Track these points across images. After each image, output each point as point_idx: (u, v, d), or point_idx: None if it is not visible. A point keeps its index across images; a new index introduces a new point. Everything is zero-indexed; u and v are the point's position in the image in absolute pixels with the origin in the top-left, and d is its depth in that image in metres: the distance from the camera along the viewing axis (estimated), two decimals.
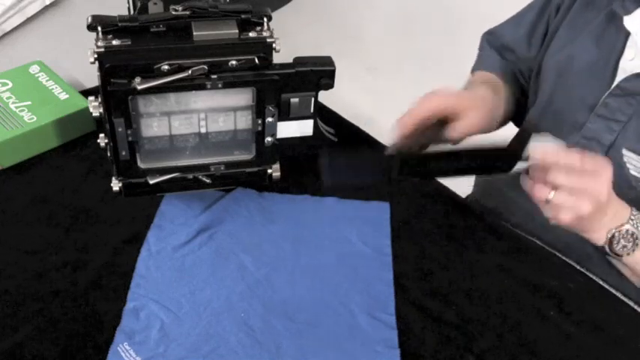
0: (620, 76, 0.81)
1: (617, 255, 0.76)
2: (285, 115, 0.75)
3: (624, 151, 0.81)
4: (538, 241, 0.86)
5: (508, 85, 0.97)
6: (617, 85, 0.80)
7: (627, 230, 0.74)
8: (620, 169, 0.81)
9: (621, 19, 0.79)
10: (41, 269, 0.76)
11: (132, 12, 0.81)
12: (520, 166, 0.72)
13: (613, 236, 0.74)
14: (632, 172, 0.80)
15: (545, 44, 0.94)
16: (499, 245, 0.85)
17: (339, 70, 0.74)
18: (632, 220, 0.74)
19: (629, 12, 0.79)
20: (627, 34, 0.80)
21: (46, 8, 1.18)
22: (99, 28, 0.66)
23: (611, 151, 0.82)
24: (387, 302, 0.76)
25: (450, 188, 0.92)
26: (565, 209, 0.70)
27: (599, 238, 0.75)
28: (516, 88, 1.00)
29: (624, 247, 0.75)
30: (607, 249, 0.75)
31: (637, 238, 0.74)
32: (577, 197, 0.69)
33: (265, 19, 0.69)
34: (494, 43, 1.02)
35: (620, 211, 0.75)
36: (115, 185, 0.75)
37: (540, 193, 0.70)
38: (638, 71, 0.78)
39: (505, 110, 0.93)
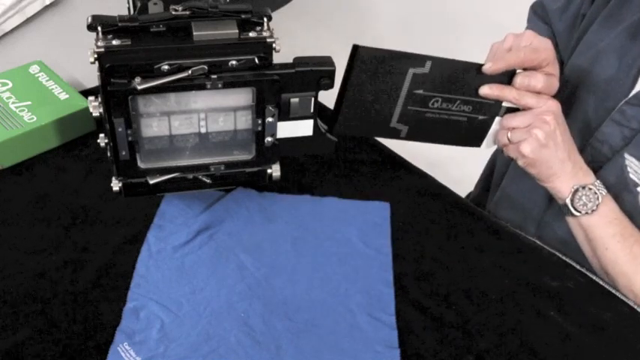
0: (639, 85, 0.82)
1: (577, 211, 0.81)
2: (285, 115, 0.75)
3: (626, 155, 0.82)
4: (538, 241, 0.87)
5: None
6: (635, 95, 0.81)
7: (591, 189, 0.81)
8: (621, 173, 0.82)
9: None
10: (41, 269, 0.76)
11: (132, 12, 0.81)
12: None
13: (577, 190, 0.81)
14: (632, 177, 0.81)
15: (574, 41, 0.93)
16: (499, 245, 0.85)
17: (339, 70, 0.74)
18: (596, 185, 0.81)
19: None
20: None
21: (46, 8, 1.18)
22: (99, 28, 0.66)
23: (616, 155, 0.83)
24: (387, 302, 0.76)
25: (450, 188, 0.92)
26: (523, 143, 0.79)
27: (564, 188, 0.81)
28: None
29: (585, 205, 0.81)
30: (569, 203, 0.81)
31: (598, 199, 0.80)
32: (530, 128, 0.79)
33: (265, 19, 0.69)
34: (539, 12, 1.02)
35: (586, 171, 0.82)
36: (115, 185, 0.75)
37: (501, 137, 0.81)
38: None
39: None
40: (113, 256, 0.78)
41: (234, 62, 0.68)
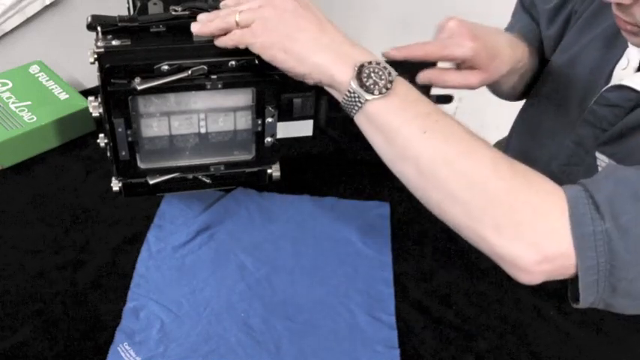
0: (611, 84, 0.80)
1: (370, 92, 0.61)
2: (286, 115, 0.75)
3: (597, 154, 0.80)
4: None
5: (533, 49, 0.94)
6: (601, 94, 0.79)
7: (379, 64, 0.62)
8: (591, 173, 0.80)
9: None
10: (41, 269, 0.76)
11: (132, 12, 0.81)
12: None
13: (362, 66, 0.62)
14: None
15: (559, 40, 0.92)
16: None
17: None
18: (380, 62, 0.63)
19: None
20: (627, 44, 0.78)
21: (46, 8, 1.18)
22: (99, 28, 0.66)
23: (588, 156, 0.82)
24: (387, 302, 0.76)
25: None
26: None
27: (337, 65, 0.63)
28: (537, 56, 0.95)
29: (375, 83, 0.61)
30: (356, 84, 0.61)
31: (390, 75, 0.61)
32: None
33: None
34: (527, 4, 0.99)
35: (364, 51, 0.65)
36: (115, 185, 0.75)
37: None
38: (620, 83, 0.76)
39: (528, 70, 0.91)
40: (113, 256, 0.78)
41: (233, 62, 0.68)
